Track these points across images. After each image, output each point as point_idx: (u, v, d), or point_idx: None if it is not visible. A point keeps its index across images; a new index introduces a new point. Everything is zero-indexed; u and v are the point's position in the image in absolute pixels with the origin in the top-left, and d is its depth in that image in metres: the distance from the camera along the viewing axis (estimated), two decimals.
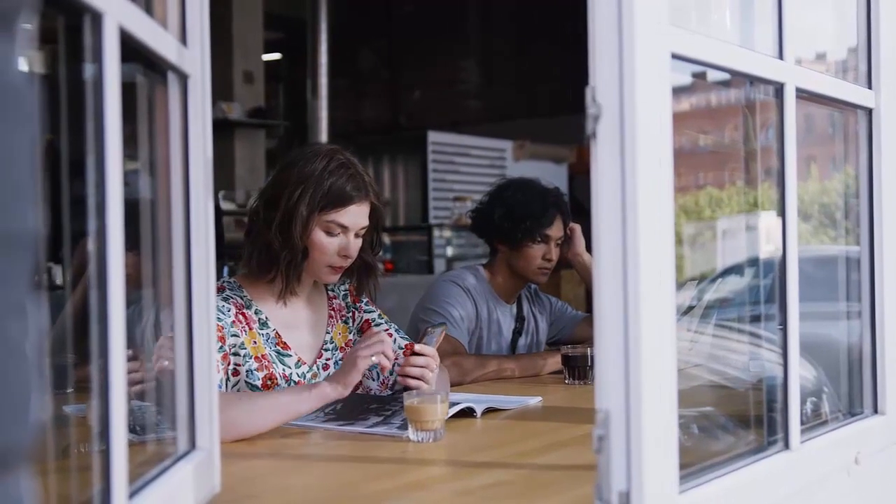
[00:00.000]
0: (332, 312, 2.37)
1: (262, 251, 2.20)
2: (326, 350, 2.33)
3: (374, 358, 1.97)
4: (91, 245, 1.01)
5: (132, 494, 1.09)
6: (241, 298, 2.21)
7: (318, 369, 2.28)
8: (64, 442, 1.34)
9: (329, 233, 2.19)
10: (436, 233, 7.50)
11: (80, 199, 1.03)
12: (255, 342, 2.18)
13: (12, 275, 0.58)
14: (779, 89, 1.52)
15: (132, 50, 1.12)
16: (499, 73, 9.91)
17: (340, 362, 2.29)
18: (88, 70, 1.02)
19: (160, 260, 1.38)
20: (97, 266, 1.00)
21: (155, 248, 1.37)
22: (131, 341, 1.07)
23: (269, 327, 2.22)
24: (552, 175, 6.39)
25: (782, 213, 1.53)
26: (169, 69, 1.31)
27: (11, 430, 0.58)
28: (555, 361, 2.80)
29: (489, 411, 2.17)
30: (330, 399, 1.98)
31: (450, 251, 7.56)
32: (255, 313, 2.22)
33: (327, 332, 2.34)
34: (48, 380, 0.67)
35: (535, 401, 2.34)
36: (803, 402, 1.63)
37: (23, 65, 0.61)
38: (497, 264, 3.07)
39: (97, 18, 1.00)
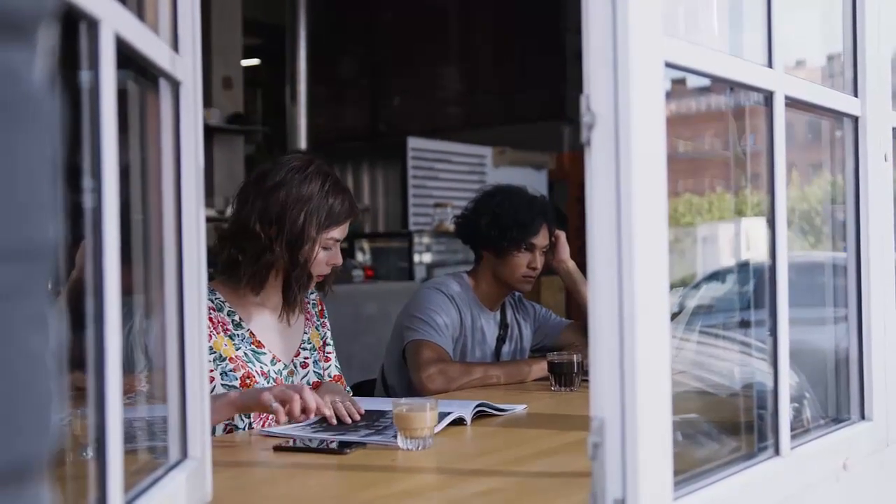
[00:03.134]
0: (308, 315, 2.46)
1: (264, 269, 2.26)
2: (305, 349, 2.41)
3: (275, 405, 1.95)
4: (87, 251, 1.00)
5: None
6: (212, 301, 2.25)
7: (295, 367, 2.37)
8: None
9: (326, 248, 2.30)
10: (416, 239, 7.48)
11: (69, 206, 1.02)
12: (225, 345, 2.23)
13: (33, 286, 0.57)
14: (768, 97, 1.53)
15: (124, 56, 1.11)
16: (479, 79, 9.93)
17: (318, 362, 2.42)
18: (83, 76, 1.02)
19: (150, 268, 1.37)
20: (93, 273, 1.00)
21: (145, 256, 1.36)
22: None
23: (243, 328, 2.28)
24: (532, 181, 6.39)
25: (772, 219, 1.54)
26: (161, 76, 1.30)
27: (34, 441, 0.57)
28: (540, 368, 2.80)
29: (479, 417, 2.17)
30: (238, 405, 2.01)
31: (430, 258, 7.55)
32: (228, 315, 2.28)
33: (305, 333, 2.43)
34: (71, 385, 0.67)
35: (521, 408, 2.34)
36: None
37: (42, 73, 0.61)
38: (481, 271, 3.07)
39: (93, 25, 0.99)
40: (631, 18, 1.16)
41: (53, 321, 0.60)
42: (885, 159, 1.88)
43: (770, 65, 1.53)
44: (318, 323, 2.49)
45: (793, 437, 1.56)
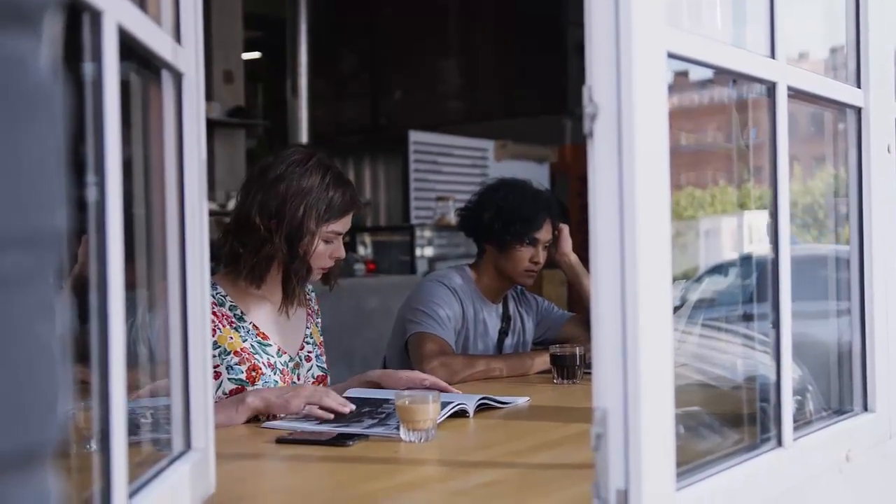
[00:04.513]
0: (310, 311, 2.48)
1: (264, 262, 2.27)
2: (308, 343, 2.43)
3: (306, 409, 2.06)
4: (91, 244, 1.00)
5: (131, 495, 1.08)
6: (213, 297, 2.26)
7: (300, 359, 2.39)
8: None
9: (326, 241, 2.30)
10: (418, 233, 7.47)
11: (73, 199, 1.02)
12: (231, 338, 2.25)
13: (40, 274, 0.57)
14: (771, 88, 1.53)
15: (127, 48, 1.11)
16: (480, 73, 9.92)
17: (321, 357, 2.45)
18: (86, 68, 1.02)
19: (153, 261, 1.37)
20: (97, 266, 1.00)
21: (148, 249, 1.36)
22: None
23: (246, 321, 2.29)
24: (534, 175, 6.37)
25: (775, 212, 1.54)
26: (164, 67, 1.30)
27: (41, 429, 0.58)
28: (542, 361, 2.80)
29: (481, 409, 2.17)
30: (252, 407, 2.06)
31: (432, 251, 7.54)
32: (230, 309, 2.29)
33: (307, 327, 2.45)
34: (73, 378, 0.67)
35: (523, 400, 2.34)
36: None
37: (49, 62, 0.61)
38: (483, 265, 3.07)
39: (97, 16, 0.99)
40: (633, 9, 1.16)
41: (60, 309, 0.60)
42: (889, 151, 1.88)
43: (773, 55, 1.52)
44: (317, 321, 2.52)
45: (795, 428, 1.56)
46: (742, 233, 2.06)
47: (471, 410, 2.12)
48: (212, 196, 7.28)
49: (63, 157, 0.62)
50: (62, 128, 0.61)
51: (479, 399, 2.18)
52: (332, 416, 2.03)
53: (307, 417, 2.05)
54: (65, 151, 0.62)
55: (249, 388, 2.19)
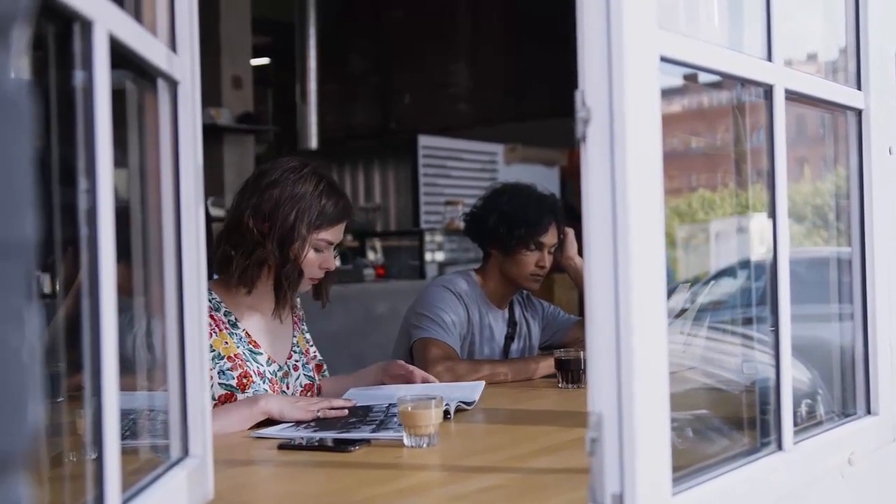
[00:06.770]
0: (296, 320, 2.50)
1: (255, 265, 2.28)
2: (295, 352, 2.45)
3: (319, 413, 2.13)
4: (83, 253, 1.01)
5: (126, 501, 1.08)
6: (210, 302, 2.27)
7: (289, 368, 2.41)
8: (55, 450, 1.34)
9: (317, 249, 2.32)
10: (427, 237, 7.47)
11: (69, 207, 1.03)
12: (226, 343, 2.27)
13: (11, 281, 0.58)
14: (768, 91, 1.53)
15: (121, 56, 1.12)
16: (489, 76, 9.91)
17: (307, 366, 2.46)
18: (78, 77, 1.02)
19: (150, 268, 1.37)
20: (89, 274, 1.00)
21: (145, 257, 1.37)
22: (123, 350, 1.07)
23: (239, 328, 2.32)
24: (543, 178, 6.38)
25: (773, 214, 1.53)
26: (159, 76, 1.31)
27: (9, 437, 0.58)
28: (547, 365, 2.80)
29: (459, 411, 2.22)
30: (265, 411, 2.10)
31: (441, 256, 7.54)
32: (225, 315, 2.31)
33: (294, 336, 2.47)
34: (44, 386, 0.68)
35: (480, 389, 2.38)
36: (798, 405, 1.63)
37: (18, 73, 0.61)
38: (489, 269, 3.07)
39: (87, 26, 1.00)
40: (625, 12, 1.16)
41: (32, 317, 0.61)
42: (890, 152, 1.87)
43: (769, 58, 1.52)
44: (303, 328, 2.54)
45: (797, 432, 1.55)
46: (751, 235, 2.05)
47: (451, 411, 2.15)
48: (220, 202, 7.28)
49: (32, 167, 0.62)
50: (31, 137, 0.61)
51: (457, 402, 2.22)
52: (346, 412, 2.14)
53: (297, 425, 2.06)
54: (34, 161, 0.62)
55: (251, 395, 2.20)
